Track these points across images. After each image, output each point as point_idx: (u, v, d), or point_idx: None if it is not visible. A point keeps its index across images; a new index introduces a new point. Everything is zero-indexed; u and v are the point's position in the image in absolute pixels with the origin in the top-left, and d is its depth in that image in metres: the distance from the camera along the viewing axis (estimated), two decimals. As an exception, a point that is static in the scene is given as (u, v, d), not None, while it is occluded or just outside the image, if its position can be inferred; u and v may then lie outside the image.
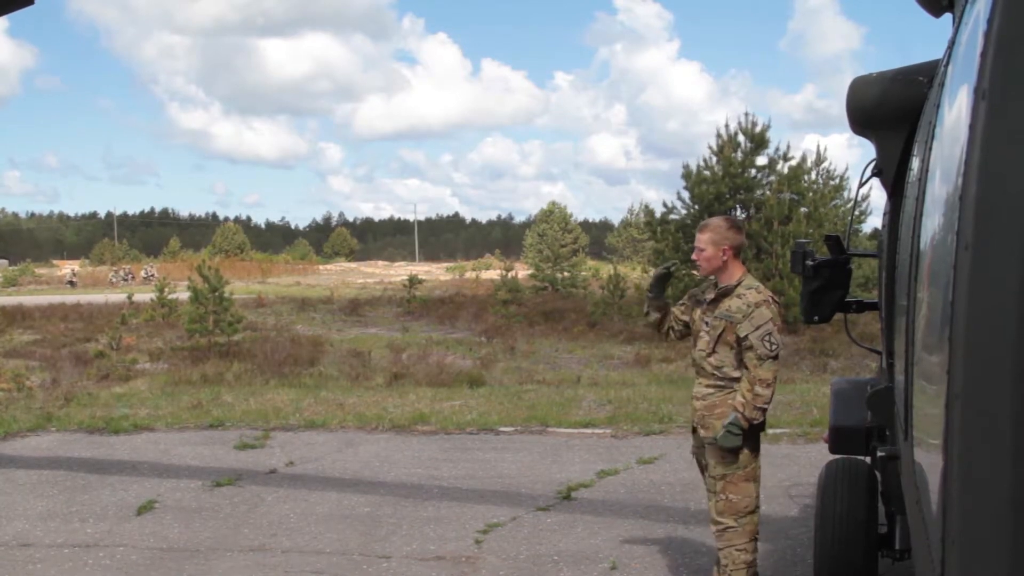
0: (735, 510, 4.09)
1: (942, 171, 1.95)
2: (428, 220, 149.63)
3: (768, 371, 3.94)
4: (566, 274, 32.87)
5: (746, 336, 3.98)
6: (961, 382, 1.45)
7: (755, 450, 4.13)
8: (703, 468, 4.36)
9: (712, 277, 4.24)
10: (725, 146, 19.38)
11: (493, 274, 40.78)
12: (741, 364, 4.05)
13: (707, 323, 4.16)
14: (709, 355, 4.13)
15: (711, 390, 4.14)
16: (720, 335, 4.08)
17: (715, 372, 4.12)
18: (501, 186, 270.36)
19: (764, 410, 3.97)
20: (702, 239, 4.16)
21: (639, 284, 23.59)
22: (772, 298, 4.09)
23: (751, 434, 4.05)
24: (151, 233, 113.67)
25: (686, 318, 4.36)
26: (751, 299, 4.03)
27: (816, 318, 4.67)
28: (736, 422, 3.96)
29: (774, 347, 3.97)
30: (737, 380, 4.07)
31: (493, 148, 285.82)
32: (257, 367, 13.53)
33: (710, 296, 4.21)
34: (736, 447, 4.01)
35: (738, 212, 19.66)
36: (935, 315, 1.84)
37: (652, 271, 4.63)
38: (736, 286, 4.10)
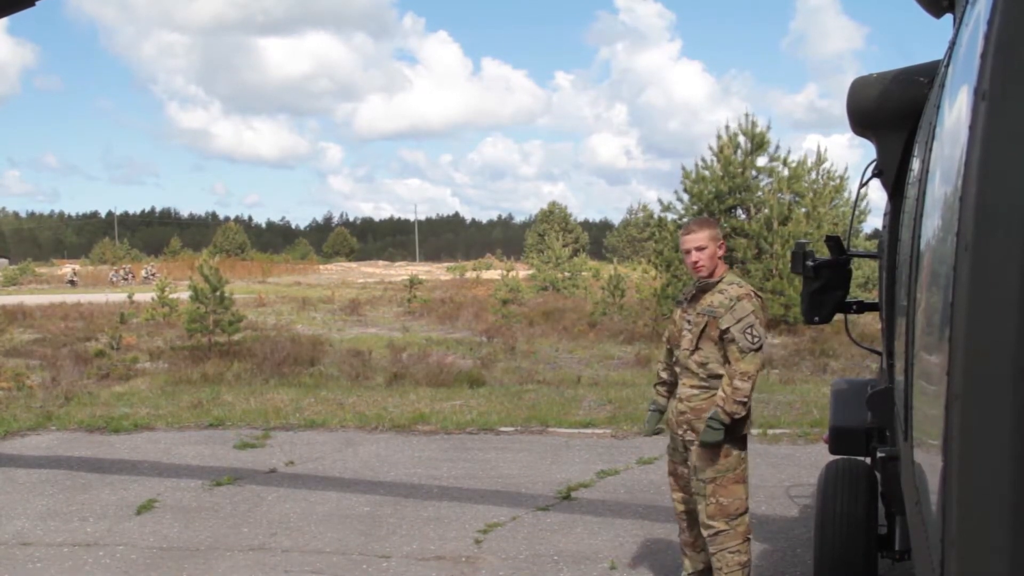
0: (726, 513, 4.06)
1: (942, 172, 1.95)
2: (428, 220, 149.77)
3: (750, 364, 3.92)
4: (566, 274, 32.85)
5: (728, 329, 3.97)
6: (961, 382, 1.45)
7: (742, 451, 4.12)
8: (673, 470, 4.33)
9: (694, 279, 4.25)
10: (724, 146, 19.39)
11: (494, 274, 40.78)
12: (726, 359, 4.03)
13: (689, 321, 4.15)
14: (692, 353, 4.11)
15: (696, 391, 4.11)
16: (703, 331, 4.06)
17: (699, 371, 4.09)
18: (501, 186, 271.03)
19: (744, 403, 3.93)
20: (700, 238, 4.10)
21: (639, 284, 23.60)
22: (754, 292, 4.08)
23: (736, 433, 4.03)
24: (151, 233, 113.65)
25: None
26: (732, 293, 4.03)
27: (816, 319, 4.67)
28: (717, 416, 3.93)
29: (756, 340, 3.95)
30: (722, 377, 4.05)
31: (493, 148, 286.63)
32: (257, 367, 13.53)
33: (690, 294, 4.22)
34: (718, 443, 3.98)
35: (738, 212, 19.68)
36: (935, 316, 1.84)
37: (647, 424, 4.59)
38: (718, 282, 4.10)
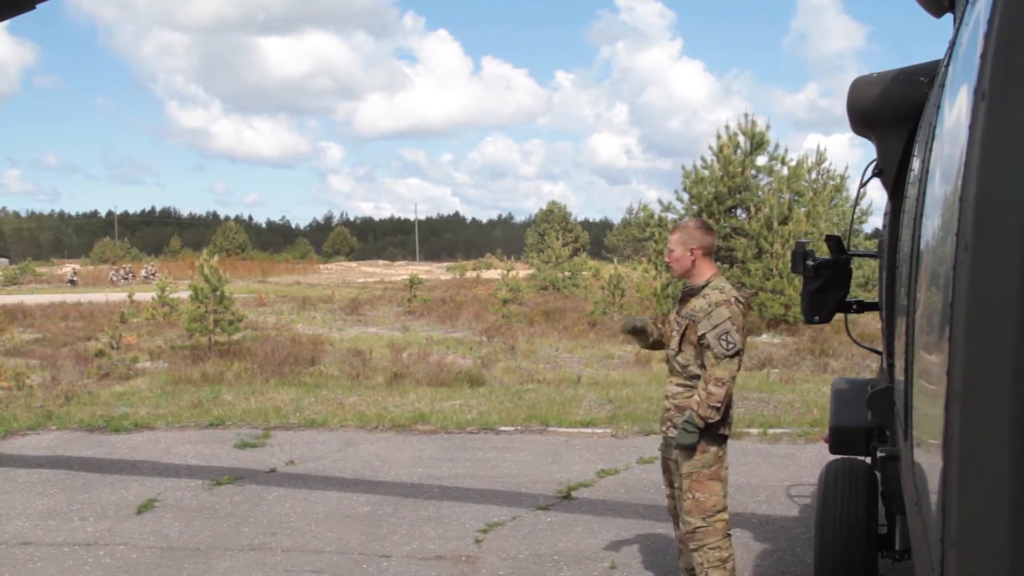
0: (702, 509, 4.11)
1: (942, 171, 1.95)
2: (428, 219, 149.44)
3: (724, 370, 3.98)
4: (566, 274, 32.85)
5: (703, 335, 4.02)
6: (961, 382, 1.45)
7: (720, 448, 4.15)
8: (665, 467, 4.38)
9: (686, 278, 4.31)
10: (724, 146, 19.39)
11: (494, 274, 40.77)
12: (703, 364, 4.09)
13: (677, 322, 4.24)
14: (677, 353, 4.20)
15: (680, 389, 4.19)
16: (684, 333, 4.14)
17: (682, 371, 4.18)
18: (502, 185, 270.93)
19: (718, 408, 3.99)
20: (672, 240, 4.24)
21: (639, 284, 23.63)
22: (736, 298, 4.12)
23: (712, 434, 4.07)
24: (152, 232, 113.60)
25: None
26: (713, 299, 4.08)
27: (816, 318, 4.68)
28: (691, 420, 4.00)
29: (731, 346, 3.99)
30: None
31: (494, 147, 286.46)
32: (257, 366, 13.53)
33: (679, 296, 4.30)
34: (692, 444, 4.04)
35: (738, 212, 19.68)
36: (935, 315, 1.84)
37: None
38: (703, 286, 4.16)
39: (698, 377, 4.11)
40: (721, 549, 4.12)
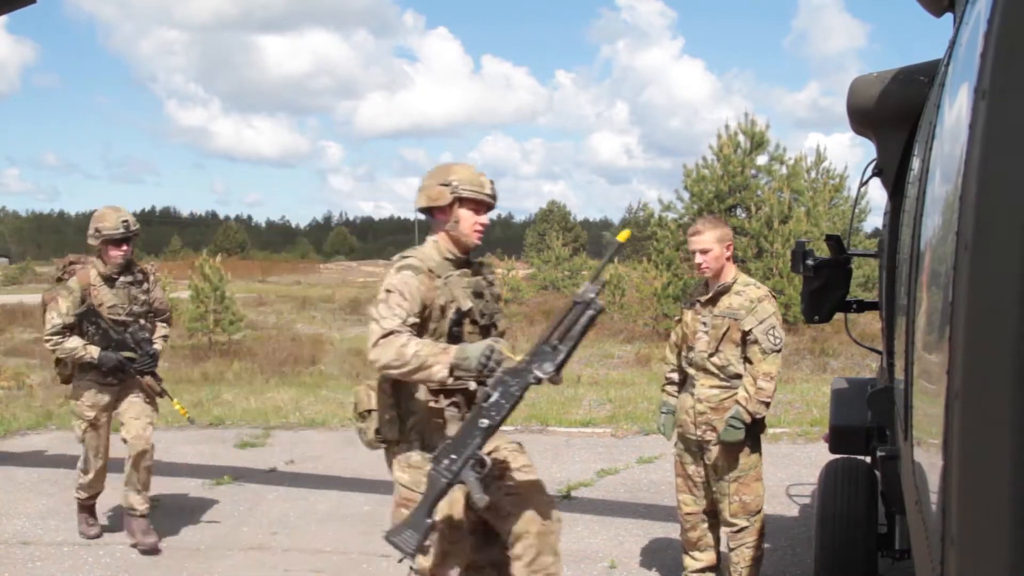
0: (747, 510, 4.12)
1: (942, 171, 1.94)
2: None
3: (772, 365, 3.96)
4: (566, 273, 32.85)
5: (750, 331, 3.99)
6: (961, 382, 1.45)
7: (760, 448, 4.17)
8: (683, 471, 4.31)
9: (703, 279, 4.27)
10: (724, 145, 19.40)
11: (494, 273, 40.70)
12: (746, 360, 4.06)
13: (705, 323, 4.14)
14: (712, 355, 4.11)
15: (716, 391, 4.12)
16: (725, 334, 4.06)
17: (719, 372, 4.10)
18: (502, 185, 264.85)
19: (767, 404, 3.98)
20: (704, 240, 4.09)
21: (639, 284, 23.60)
22: (771, 293, 4.13)
23: (754, 432, 4.05)
24: (152, 232, 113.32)
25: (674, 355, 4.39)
26: (752, 295, 4.05)
27: (816, 318, 4.67)
28: (739, 415, 3.95)
29: (778, 341, 3.99)
30: (741, 377, 4.07)
31: (494, 146, 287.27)
32: (258, 366, 13.55)
33: (704, 296, 4.19)
34: (738, 441, 4.00)
35: (737, 211, 19.68)
36: (935, 315, 1.83)
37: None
38: (733, 283, 4.12)
39: (739, 377, 4.05)
40: (757, 548, 4.16)
